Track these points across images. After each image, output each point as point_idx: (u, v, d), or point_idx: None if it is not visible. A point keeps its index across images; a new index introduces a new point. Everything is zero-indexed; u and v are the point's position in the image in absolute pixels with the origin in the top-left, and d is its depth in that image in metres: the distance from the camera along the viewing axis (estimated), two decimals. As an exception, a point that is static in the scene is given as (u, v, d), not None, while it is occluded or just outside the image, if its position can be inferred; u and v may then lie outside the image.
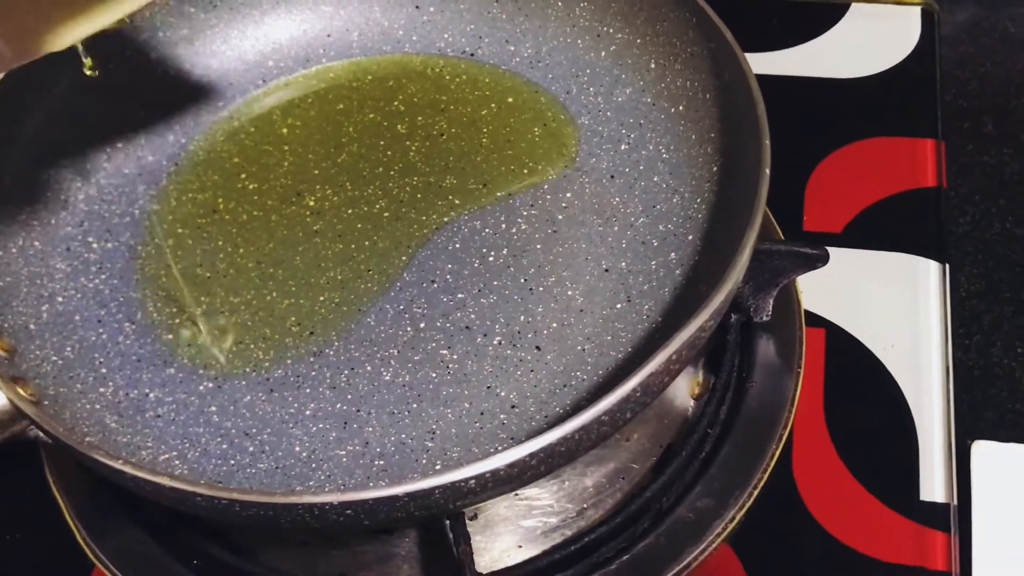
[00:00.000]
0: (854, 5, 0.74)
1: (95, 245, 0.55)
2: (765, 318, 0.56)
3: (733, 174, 0.52)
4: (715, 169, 0.53)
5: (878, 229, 0.63)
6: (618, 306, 0.52)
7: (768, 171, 0.47)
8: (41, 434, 0.45)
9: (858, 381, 0.57)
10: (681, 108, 0.56)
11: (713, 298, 0.43)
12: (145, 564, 0.52)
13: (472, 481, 0.40)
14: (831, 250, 0.56)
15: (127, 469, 0.40)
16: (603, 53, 0.59)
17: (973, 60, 0.73)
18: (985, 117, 0.70)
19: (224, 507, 0.40)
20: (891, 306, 0.60)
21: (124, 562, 0.52)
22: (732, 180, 0.52)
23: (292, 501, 0.39)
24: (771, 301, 0.56)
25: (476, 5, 0.62)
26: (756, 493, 0.52)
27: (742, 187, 0.50)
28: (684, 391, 0.56)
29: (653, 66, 0.57)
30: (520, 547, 0.51)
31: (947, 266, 0.61)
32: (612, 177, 0.57)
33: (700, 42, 0.54)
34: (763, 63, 0.71)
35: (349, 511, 0.40)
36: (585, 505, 0.53)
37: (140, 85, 0.60)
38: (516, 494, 0.52)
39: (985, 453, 0.53)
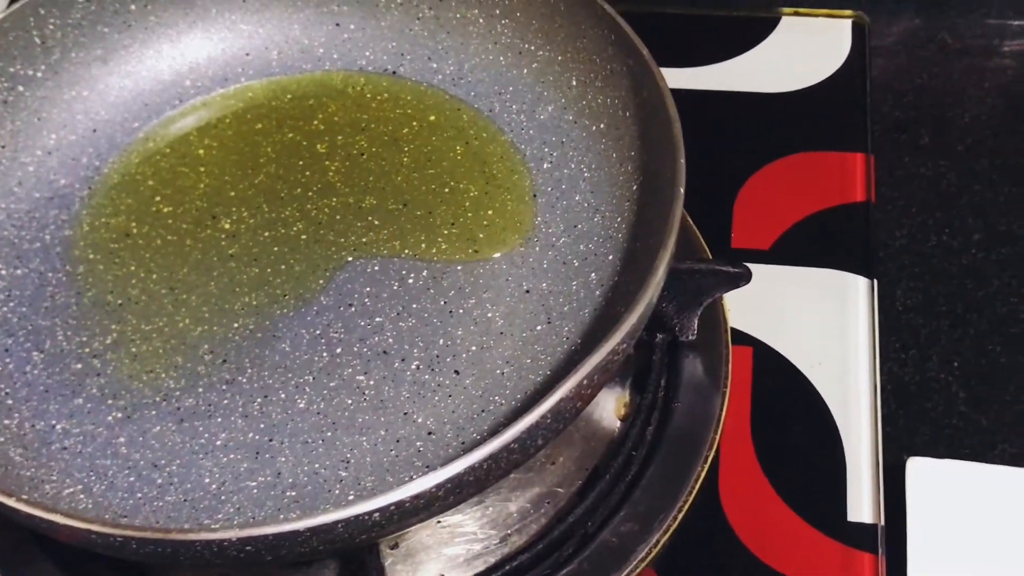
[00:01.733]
0: (785, 19, 0.74)
1: (3, 272, 0.54)
2: (691, 337, 0.56)
3: (652, 192, 0.51)
4: (635, 188, 0.53)
5: (807, 245, 0.62)
6: (538, 328, 0.51)
7: (682, 190, 0.46)
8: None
9: (785, 400, 0.57)
10: (602, 126, 0.55)
11: (625, 320, 0.42)
12: (56, 599, 0.51)
13: (376, 514, 0.39)
14: (759, 267, 0.56)
15: (21, 508, 0.39)
16: (525, 71, 0.59)
17: (909, 71, 0.73)
18: (921, 129, 0.70)
19: (120, 544, 0.39)
20: (819, 323, 0.59)
21: (35, 597, 0.51)
22: (651, 199, 0.51)
23: (189, 538, 0.38)
24: (696, 320, 0.55)
25: (398, 22, 0.61)
26: (681, 516, 0.52)
27: (660, 206, 0.49)
28: (610, 412, 0.55)
29: (574, 83, 0.57)
30: (443, 575, 0.50)
31: (875, 282, 0.60)
32: (534, 196, 0.56)
33: (619, 59, 0.53)
34: (693, 78, 0.70)
35: (249, 547, 0.39)
36: (509, 531, 0.52)
37: (50, 106, 0.58)
38: (438, 521, 0.51)
39: (920, 470, 0.53)
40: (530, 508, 0.52)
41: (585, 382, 0.41)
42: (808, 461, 0.55)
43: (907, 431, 0.56)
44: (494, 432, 0.47)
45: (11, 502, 0.39)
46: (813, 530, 0.53)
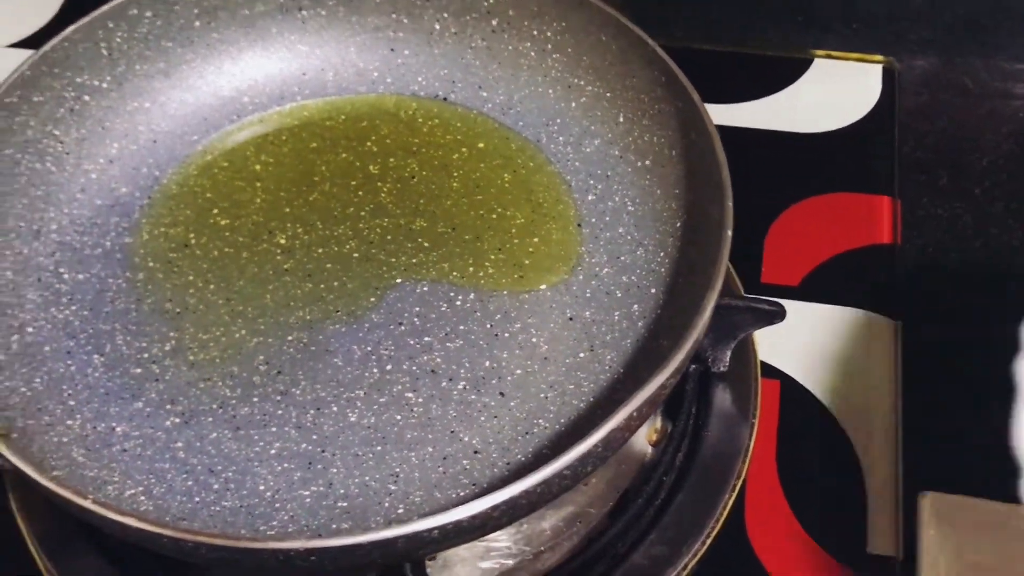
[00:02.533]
0: (817, 60, 0.76)
1: (66, 276, 0.56)
2: (723, 368, 0.58)
3: (696, 231, 0.54)
4: (679, 224, 0.55)
5: (834, 284, 0.65)
6: (581, 355, 0.53)
7: (730, 233, 0.48)
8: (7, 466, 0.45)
9: (810, 433, 0.59)
10: (648, 163, 0.57)
11: (674, 357, 0.44)
12: (105, 594, 0.53)
13: (435, 531, 0.41)
14: (788, 303, 0.57)
15: (96, 508, 0.41)
16: (573, 104, 0.61)
17: (930, 112, 0.75)
18: (940, 170, 0.72)
19: (190, 549, 0.41)
20: (845, 360, 0.61)
21: (85, 591, 0.53)
22: (695, 236, 0.54)
23: (258, 547, 0.40)
24: (729, 353, 0.57)
25: (451, 51, 0.63)
26: (709, 542, 0.54)
27: (704, 245, 0.51)
28: (642, 437, 0.57)
29: (622, 120, 0.59)
30: (477, 589, 0.52)
31: (899, 323, 0.62)
32: (579, 225, 0.58)
33: (668, 100, 0.55)
34: (725, 114, 0.73)
35: (314, 557, 0.40)
36: (542, 548, 0.54)
37: (113, 116, 0.60)
38: (477, 536, 0.53)
39: (935, 505, 0.55)
40: (563, 526, 0.55)
41: (635, 414, 0.43)
42: (830, 493, 0.57)
43: (922, 468, 0.58)
44: (539, 454, 0.50)
45: (86, 503, 0.41)
46: (833, 560, 0.55)
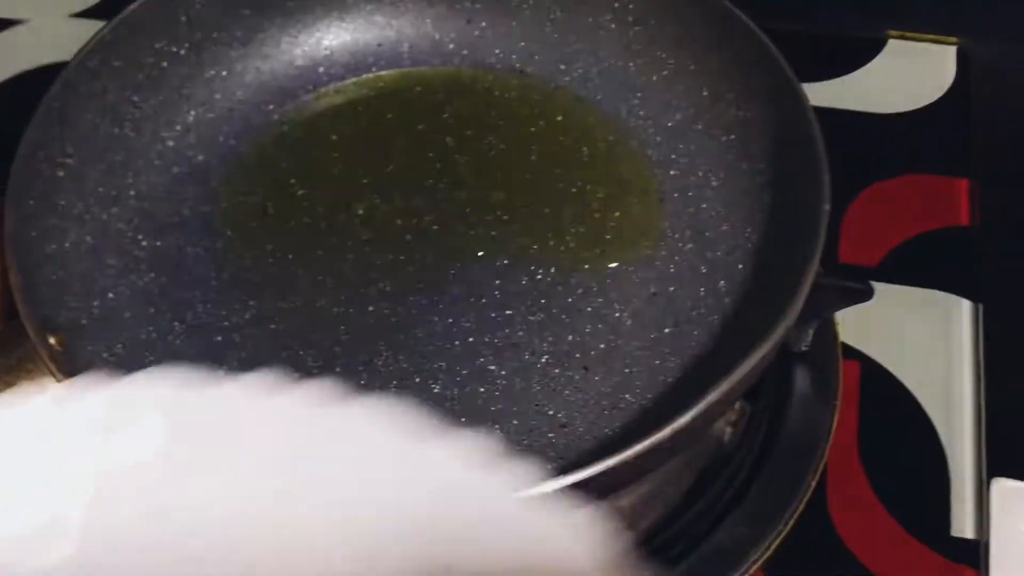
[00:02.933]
0: (891, 41, 0.75)
1: (145, 243, 0.55)
2: (804, 348, 0.57)
3: (785, 207, 0.53)
4: (766, 200, 0.54)
5: (912, 265, 0.64)
6: (666, 331, 0.53)
7: (828, 208, 0.47)
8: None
9: (892, 415, 0.58)
10: (733, 138, 0.57)
11: (775, 328, 0.44)
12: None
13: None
14: (867, 283, 0.57)
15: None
16: (655, 77, 0.60)
17: (1006, 93, 0.74)
18: (1017, 152, 0.71)
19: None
20: (925, 342, 0.61)
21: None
22: (784, 213, 0.53)
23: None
24: (810, 332, 0.57)
25: (529, 23, 0.63)
26: (792, 522, 0.53)
27: (795, 220, 0.50)
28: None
29: (706, 94, 0.58)
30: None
31: (980, 306, 0.62)
32: (661, 200, 0.57)
33: (756, 74, 0.55)
34: (800, 94, 0.72)
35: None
36: (620, 526, 0.53)
37: (191, 84, 0.60)
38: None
39: (1005, 491, 0.54)
40: (641, 505, 0.54)
41: (735, 387, 0.43)
42: (914, 476, 0.56)
43: (1009, 451, 0.57)
44: (626, 429, 0.49)
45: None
46: (917, 542, 0.54)
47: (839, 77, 0.74)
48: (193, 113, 0.59)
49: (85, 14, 0.81)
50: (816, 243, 0.46)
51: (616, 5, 0.60)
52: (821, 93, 0.72)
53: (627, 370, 0.52)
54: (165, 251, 0.56)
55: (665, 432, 0.41)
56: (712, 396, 0.42)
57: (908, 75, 0.74)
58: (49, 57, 0.76)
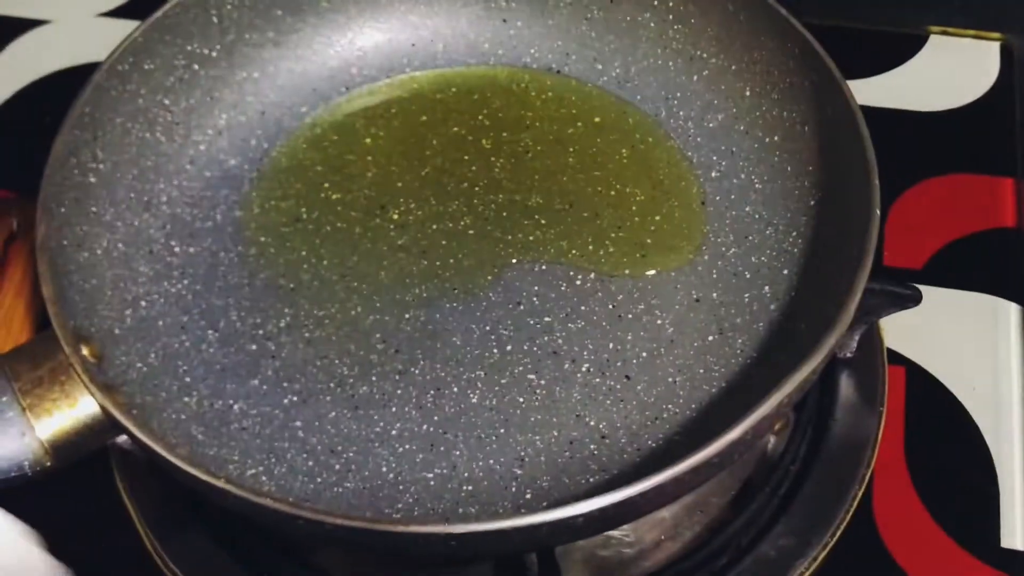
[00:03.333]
0: (933, 37, 0.74)
1: (177, 249, 0.54)
2: (849, 355, 0.56)
3: (832, 210, 0.51)
4: (812, 204, 0.53)
5: (957, 267, 0.62)
6: (710, 338, 0.51)
7: (879, 212, 0.46)
8: (129, 443, 0.44)
9: (939, 422, 0.57)
10: (776, 139, 0.55)
11: (826, 339, 0.42)
12: (213, 573, 0.52)
13: (580, 519, 0.39)
14: (912, 286, 0.56)
15: (230, 489, 0.40)
16: (695, 77, 0.59)
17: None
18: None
19: (327, 532, 0.40)
20: (971, 347, 0.59)
21: (193, 570, 0.52)
22: (831, 216, 0.51)
23: (398, 530, 0.39)
24: (856, 338, 0.55)
25: (565, 21, 0.61)
26: (839, 533, 0.52)
27: (843, 225, 0.49)
28: (762, 424, 0.55)
29: (748, 94, 0.57)
30: (598, 578, 0.51)
31: (1028, 308, 0.60)
32: (702, 204, 0.56)
33: (801, 73, 0.53)
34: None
35: (453, 542, 0.39)
36: (663, 537, 0.52)
37: (223, 86, 0.59)
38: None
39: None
40: (683, 516, 0.53)
41: (785, 400, 0.41)
42: (962, 485, 0.55)
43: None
44: (669, 441, 0.48)
45: (220, 483, 0.40)
46: (966, 554, 0.53)
47: (880, 74, 0.72)
48: (225, 116, 0.58)
49: (112, 14, 0.80)
50: (867, 251, 0.45)
51: (655, 3, 0.59)
52: (862, 91, 0.71)
53: (670, 379, 0.50)
54: (198, 257, 0.55)
55: (711, 449, 0.40)
56: (760, 411, 0.40)
57: (950, 72, 0.72)
58: (76, 58, 0.75)
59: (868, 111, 0.68)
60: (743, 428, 0.40)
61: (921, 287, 0.59)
